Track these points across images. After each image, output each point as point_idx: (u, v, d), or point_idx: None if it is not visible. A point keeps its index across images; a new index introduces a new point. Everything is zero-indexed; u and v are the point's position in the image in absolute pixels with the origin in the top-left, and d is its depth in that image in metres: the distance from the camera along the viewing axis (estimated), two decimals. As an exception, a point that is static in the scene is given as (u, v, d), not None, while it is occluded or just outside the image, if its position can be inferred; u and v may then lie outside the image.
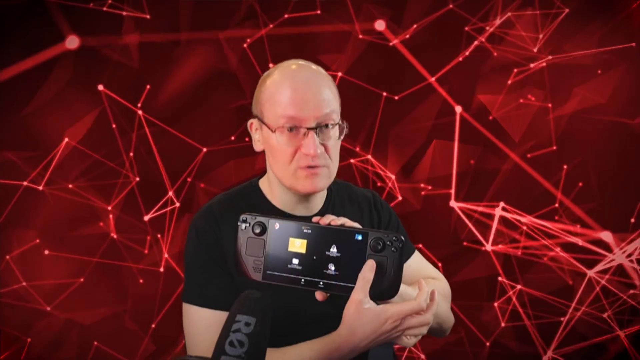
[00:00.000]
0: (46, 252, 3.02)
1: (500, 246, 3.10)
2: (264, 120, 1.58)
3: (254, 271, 1.48)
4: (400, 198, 3.10)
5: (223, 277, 1.60)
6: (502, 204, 3.10)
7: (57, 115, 3.01)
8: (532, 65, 3.07)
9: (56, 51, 2.98)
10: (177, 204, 3.07)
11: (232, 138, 3.06)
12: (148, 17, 3.02)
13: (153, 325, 3.09)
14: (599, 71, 3.04)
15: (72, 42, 2.98)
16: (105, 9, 2.99)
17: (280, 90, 1.54)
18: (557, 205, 3.10)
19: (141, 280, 3.07)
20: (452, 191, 3.11)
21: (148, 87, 3.03)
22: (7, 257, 3.01)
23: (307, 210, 1.68)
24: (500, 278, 3.11)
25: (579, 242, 3.05)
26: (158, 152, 3.06)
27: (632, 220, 3.05)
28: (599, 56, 3.05)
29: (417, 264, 1.77)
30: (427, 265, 1.81)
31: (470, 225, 3.09)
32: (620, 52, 3.03)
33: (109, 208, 3.05)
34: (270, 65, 2.97)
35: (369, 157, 3.12)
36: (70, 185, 3.03)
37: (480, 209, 3.10)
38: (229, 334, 1.16)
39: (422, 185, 3.12)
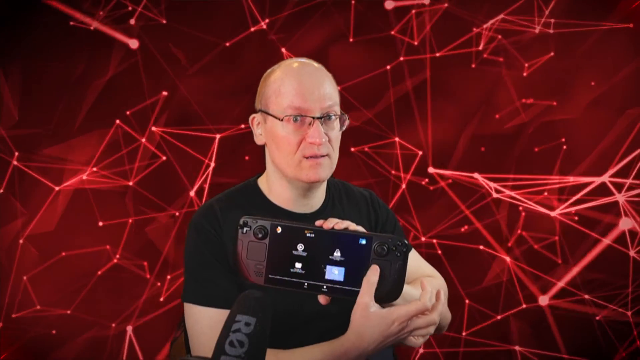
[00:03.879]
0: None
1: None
2: (269, 112, 1.62)
3: (256, 275, 1.47)
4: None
5: (225, 275, 1.59)
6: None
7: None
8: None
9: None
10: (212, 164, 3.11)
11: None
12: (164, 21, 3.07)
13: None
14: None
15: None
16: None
17: (286, 82, 1.60)
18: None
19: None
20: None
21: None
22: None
23: (306, 208, 1.68)
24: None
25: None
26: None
27: None
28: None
29: (414, 262, 1.77)
30: (423, 263, 1.83)
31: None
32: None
33: (130, 184, 3.11)
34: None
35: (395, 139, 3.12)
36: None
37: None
38: (229, 334, 1.15)
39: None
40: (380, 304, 1.46)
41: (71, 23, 3.04)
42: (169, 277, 3.13)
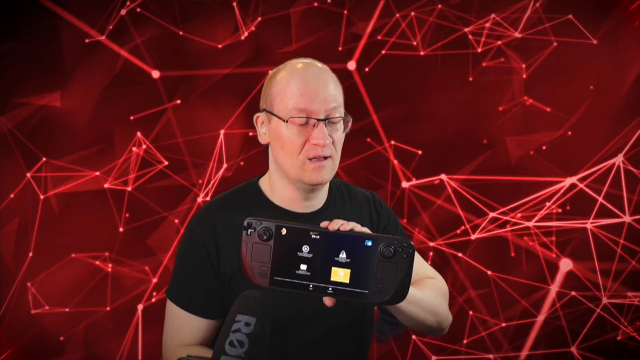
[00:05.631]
0: None
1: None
2: (274, 113, 1.62)
3: (260, 277, 1.45)
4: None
5: (206, 283, 1.62)
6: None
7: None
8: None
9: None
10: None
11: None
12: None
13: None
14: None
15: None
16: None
17: (291, 83, 1.60)
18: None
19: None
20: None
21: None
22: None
23: (308, 208, 1.68)
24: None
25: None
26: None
27: None
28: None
29: (416, 263, 1.74)
30: (424, 264, 1.81)
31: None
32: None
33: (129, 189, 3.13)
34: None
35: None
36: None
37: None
38: (229, 333, 1.15)
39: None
40: (385, 306, 1.44)
41: (87, 41, 3.10)
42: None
